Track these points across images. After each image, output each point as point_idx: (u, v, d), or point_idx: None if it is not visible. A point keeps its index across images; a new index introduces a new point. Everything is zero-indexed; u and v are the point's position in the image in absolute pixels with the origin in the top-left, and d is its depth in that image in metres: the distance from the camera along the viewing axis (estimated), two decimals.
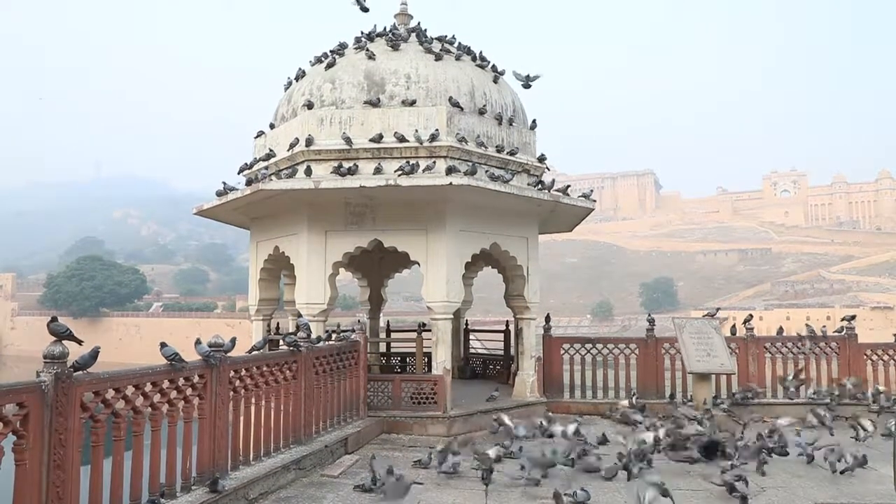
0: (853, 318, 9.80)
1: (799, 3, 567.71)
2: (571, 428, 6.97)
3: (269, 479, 5.43)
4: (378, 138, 8.09)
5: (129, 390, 4.29)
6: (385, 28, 9.49)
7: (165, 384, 4.61)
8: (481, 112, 8.65)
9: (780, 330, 10.51)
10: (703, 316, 9.59)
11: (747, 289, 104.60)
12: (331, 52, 9.20)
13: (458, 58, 9.09)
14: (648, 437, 6.49)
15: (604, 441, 7.19)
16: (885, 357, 9.64)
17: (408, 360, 11.09)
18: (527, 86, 8.11)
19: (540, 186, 8.96)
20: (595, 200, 10.03)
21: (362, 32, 9.37)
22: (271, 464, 5.61)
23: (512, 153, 8.80)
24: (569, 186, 9.29)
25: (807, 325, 10.30)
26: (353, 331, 7.82)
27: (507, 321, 10.49)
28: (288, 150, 8.42)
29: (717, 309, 10.50)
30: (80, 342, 4.16)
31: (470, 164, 8.13)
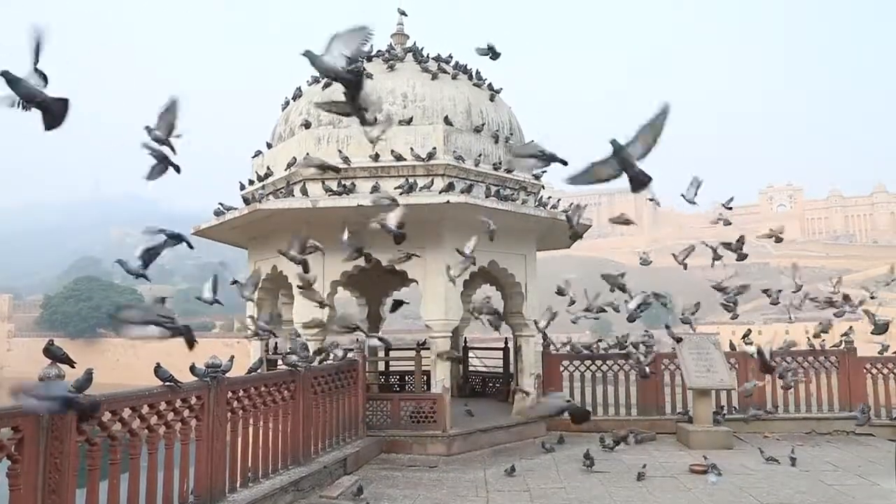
0: (850, 330, 9.79)
1: (798, 19, 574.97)
2: None
3: (267, 502, 5.37)
4: (375, 157, 8.11)
5: (126, 413, 4.26)
6: (382, 48, 9.57)
7: (162, 406, 4.58)
8: (478, 130, 8.69)
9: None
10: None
11: (746, 303, 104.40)
12: None
13: (454, 76, 9.15)
14: None
15: (592, 462, 7.08)
16: (885, 371, 9.61)
17: (407, 378, 11.02)
18: (494, 56, 7.55)
19: (538, 203, 8.98)
20: (586, 212, 9.98)
21: None
22: (269, 485, 5.55)
23: (509, 170, 8.83)
24: (580, 206, 9.23)
25: (807, 339, 10.26)
26: (352, 350, 7.78)
27: (507, 339, 10.44)
28: (285, 170, 8.44)
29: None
30: (73, 364, 4.13)
31: (467, 181, 8.15)
